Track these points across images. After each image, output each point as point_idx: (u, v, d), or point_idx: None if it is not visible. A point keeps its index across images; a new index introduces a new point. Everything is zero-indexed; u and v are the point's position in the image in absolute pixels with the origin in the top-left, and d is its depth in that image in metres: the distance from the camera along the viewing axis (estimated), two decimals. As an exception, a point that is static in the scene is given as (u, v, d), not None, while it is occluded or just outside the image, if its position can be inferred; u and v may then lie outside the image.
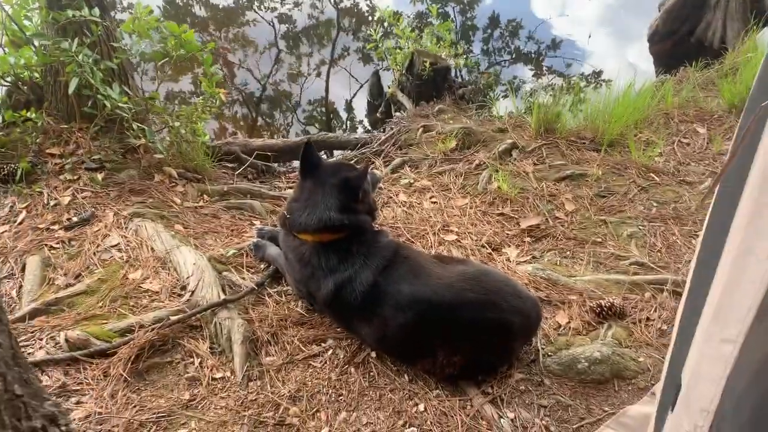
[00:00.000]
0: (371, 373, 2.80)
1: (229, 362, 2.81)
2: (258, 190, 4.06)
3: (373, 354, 2.87)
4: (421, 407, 2.65)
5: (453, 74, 5.43)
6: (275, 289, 3.22)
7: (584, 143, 4.51)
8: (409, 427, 2.58)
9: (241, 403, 2.64)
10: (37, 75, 4.27)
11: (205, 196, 3.97)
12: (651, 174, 4.21)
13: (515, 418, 2.63)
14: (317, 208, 2.83)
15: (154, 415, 2.57)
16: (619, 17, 10.47)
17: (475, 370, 2.73)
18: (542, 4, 11.42)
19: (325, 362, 2.84)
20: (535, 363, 2.87)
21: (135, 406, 2.60)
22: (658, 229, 3.72)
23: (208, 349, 2.86)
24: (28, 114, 3.97)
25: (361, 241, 2.83)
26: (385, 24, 5.55)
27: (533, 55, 8.83)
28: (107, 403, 2.60)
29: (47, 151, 4.01)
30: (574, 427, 2.61)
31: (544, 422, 2.61)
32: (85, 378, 2.71)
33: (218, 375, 2.76)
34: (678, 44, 6.54)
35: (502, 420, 2.61)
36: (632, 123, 4.58)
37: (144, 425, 2.53)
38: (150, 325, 2.87)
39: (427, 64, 5.22)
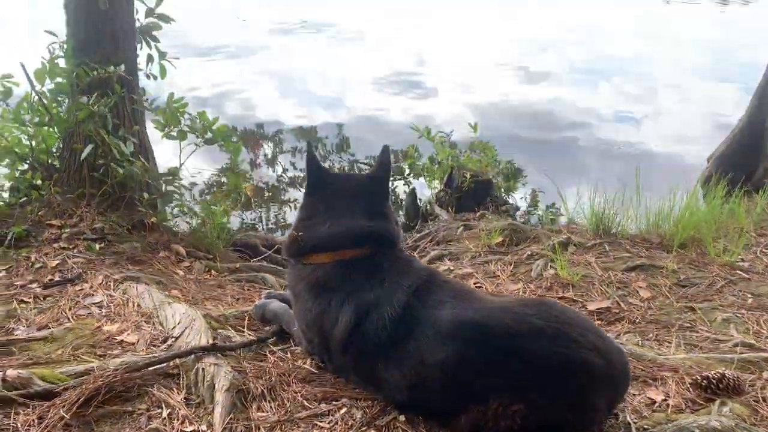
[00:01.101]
0: (398, 440, 2.03)
1: (208, 415, 2.09)
2: (273, 267, 3.52)
3: (402, 417, 2.11)
4: (469, 480, 1.85)
5: (495, 191, 5.07)
6: (279, 347, 2.55)
7: (650, 245, 3.93)
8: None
9: (215, 461, 1.89)
10: (55, 158, 4.03)
11: (213, 271, 3.44)
12: (736, 271, 3.55)
13: (607, 497, 1.80)
14: (341, 217, 2.30)
15: (92, 470, 1.83)
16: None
17: (542, 428, 1.94)
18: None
19: (336, 423, 2.09)
20: (626, 437, 2.07)
21: (69, 458, 1.87)
22: (761, 317, 3.00)
23: (183, 400, 2.16)
24: (35, 181, 3.66)
25: (392, 257, 2.25)
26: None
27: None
28: (33, 452, 1.88)
29: (48, 222, 3.62)
30: None
31: (650, 505, 1.78)
32: (13, 423, 2.02)
33: (189, 428, 2.03)
34: (734, 191, 6.13)
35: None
36: (703, 227, 4.02)
37: (75, 481, 1.79)
38: (112, 369, 2.21)
39: (468, 176, 4.88)
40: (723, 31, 15.92)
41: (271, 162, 10.01)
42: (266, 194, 7.41)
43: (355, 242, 2.26)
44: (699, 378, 2.34)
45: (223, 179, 4.60)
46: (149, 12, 3.81)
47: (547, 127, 9.12)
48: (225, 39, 13.73)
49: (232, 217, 4.60)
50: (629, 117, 9.65)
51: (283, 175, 8.57)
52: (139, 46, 3.94)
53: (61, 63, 3.67)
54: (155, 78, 3.96)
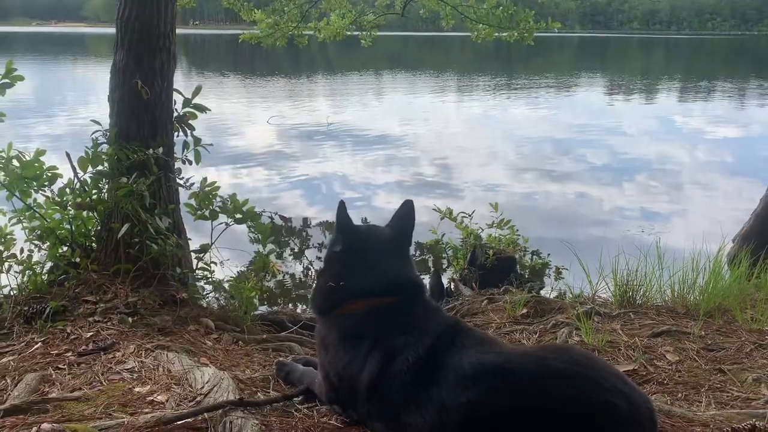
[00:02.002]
0: (424, 487, 2.01)
1: (235, 465, 2.11)
2: (299, 337, 3.58)
3: (428, 467, 2.11)
4: None
5: (518, 268, 5.11)
6: (306, 406, 2.58)
7: (676, 314, 3.91)
8: None
9: (241, 505, 1.90)
10: (93, 240, 4.21)
11: (240, 342, 3.50)
12: (766, 337, 3.51)
13: None
14: (374, 267, 2.40)
15: None
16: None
17: (570, 475, 1.92)
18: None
19: (362, 472, 2.09)
20: (656, 485, 2.03)
21: (98, 503, 1.90)
22: (793, 377, 2.95)
23: (211, 451, 2.19)
24: (73, 259, 3.83)
25: (421, 303, 2.36)
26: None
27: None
28: (63, 498, 1.92)
29: (83, 298, 3.75)
30: None
31: None
32: (44, 473, 2.05)
33: (217, 477, 2.05)
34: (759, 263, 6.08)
35: None
36: (730, 296, 4.00)
37: None
38: (143, 423, 2.26)
39: (491, 253, 4.96)
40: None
41: (298, 255, 10.16)
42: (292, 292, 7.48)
43: (388, 290, 2.34)
44: (729, 430, 2.31)
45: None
46: (186, 102, 4.10)
47: (572, 226, 9.20)
48: (253, 145, 14.31)
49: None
50: (654, 214, 9.72)
51: (310, 267, 8.70)
52: (176, 133, 4.22)
53: (104, 148, 3.92)
54: (191, 163, 4.19)
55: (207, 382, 2.61)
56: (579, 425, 1.91)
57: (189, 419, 2.32)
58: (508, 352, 2.13)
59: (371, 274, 2.39)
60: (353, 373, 2.28)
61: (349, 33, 11.74)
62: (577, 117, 18.71)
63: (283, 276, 4.96)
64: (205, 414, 2.34)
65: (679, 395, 2.82)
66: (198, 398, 2.52)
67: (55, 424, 2.25)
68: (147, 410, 2.49)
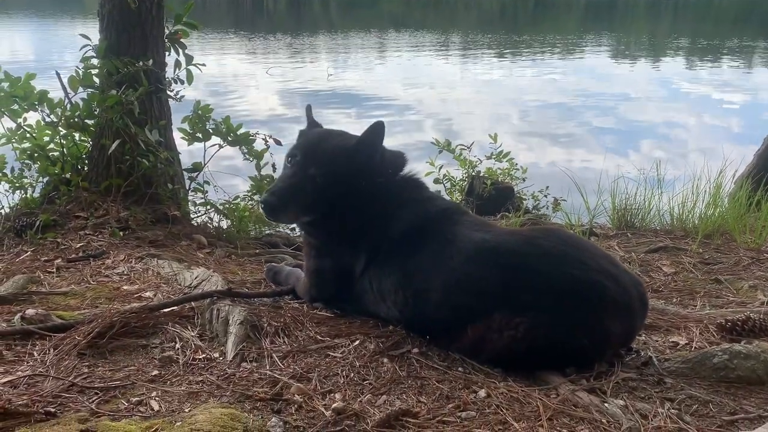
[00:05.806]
0: (411, 366, 2.00)
1: (221, 347, 2.09)
2: (293, 252, 3.54)
3: (416, 350, 2.09)
4: (482, 393, 1.81)
5: (516, 200, 5.06)
6: (296, 302, 2.55)
7: (675, 236, 3.86)
8: (463, 411, 1.72)
9: (226, 378, 1.88)
10: (84, 163, 4.14)
11: (233, 256, 3.47)
12: (764, 254, 3.47)
13: (627, 405, 1.73)
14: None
15: (103, 383, 1.83)
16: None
17: (553, 347, 1.90)
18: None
19: (349, 353, 2.07)
20: (647, 366, 2.01)
21: (81, 375, 1.88)
22: (790, 285, 2.91)
23: (197, 335, 2.17)
24: (65, 174, 3.78)
25: (415, 184, 2.41)
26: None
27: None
28: (48, 369, 1.90)
29: (75, 214, 3.71)
30: (725, 419, 1.69)
31: (672, 412, 1.71)
32: (29, 351, 2.03)
33: (201, 356, 2.03)
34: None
35: (606, 404, 1.72)
36: (730, 221, 3.94)
37: (84, 392, 1.79)
38: (129, 307, 2.23)
39: (489, 183, 4.90)
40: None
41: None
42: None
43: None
44: (723, 321, 2.28)
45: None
46: (178, 18, 3.99)
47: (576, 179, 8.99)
48: (254, 106, 13.94)
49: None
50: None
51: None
52: (167, 53, 4.11)
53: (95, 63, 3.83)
54: (182, 82, 4.09)
55: (196, 278, 2.58)
56: (563, 300, 1.89)
57: (175, 307, 2.30)
58: (497, 230, 2.12)
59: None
60: (346, 259, 2.28)
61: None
62: (583, 81, 18.26)
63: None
64: (192, 303, 2.32)
65: (674, 300, 2.79)
66: (186, 291, 2.50)
67: (40, 310, 2.23)
68: (135, 304, 2.47)
